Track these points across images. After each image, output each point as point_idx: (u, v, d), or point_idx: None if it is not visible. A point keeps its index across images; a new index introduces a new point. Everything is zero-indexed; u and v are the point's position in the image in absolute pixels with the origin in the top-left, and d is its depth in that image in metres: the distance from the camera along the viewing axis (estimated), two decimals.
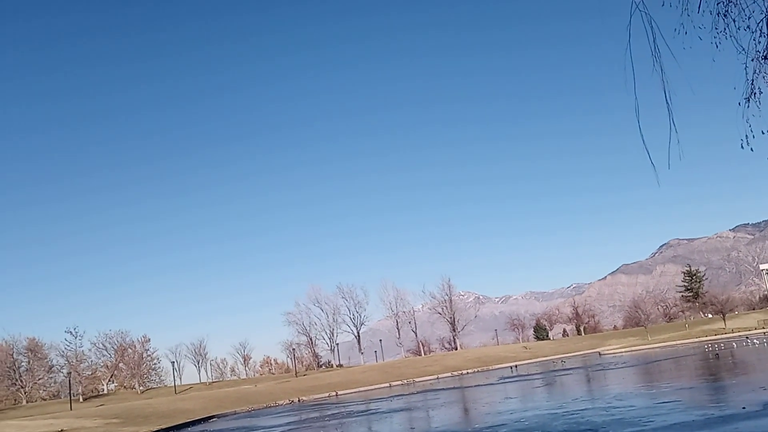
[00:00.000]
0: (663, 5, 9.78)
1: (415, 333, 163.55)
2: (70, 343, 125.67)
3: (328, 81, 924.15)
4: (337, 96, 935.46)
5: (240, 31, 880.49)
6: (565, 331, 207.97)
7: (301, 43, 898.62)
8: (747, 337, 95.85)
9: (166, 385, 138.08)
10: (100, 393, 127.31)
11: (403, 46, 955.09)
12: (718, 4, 9.77)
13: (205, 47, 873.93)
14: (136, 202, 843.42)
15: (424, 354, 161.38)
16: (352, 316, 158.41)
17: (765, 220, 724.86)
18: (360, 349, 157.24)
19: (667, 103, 9.99)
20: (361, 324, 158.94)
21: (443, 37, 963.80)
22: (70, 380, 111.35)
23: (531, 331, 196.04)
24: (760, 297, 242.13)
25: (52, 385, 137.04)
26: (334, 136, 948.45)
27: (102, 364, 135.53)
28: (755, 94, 9.76)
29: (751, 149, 9.70)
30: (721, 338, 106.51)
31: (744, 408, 25.08)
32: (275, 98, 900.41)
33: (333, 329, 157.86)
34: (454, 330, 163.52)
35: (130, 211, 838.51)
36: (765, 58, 9.71)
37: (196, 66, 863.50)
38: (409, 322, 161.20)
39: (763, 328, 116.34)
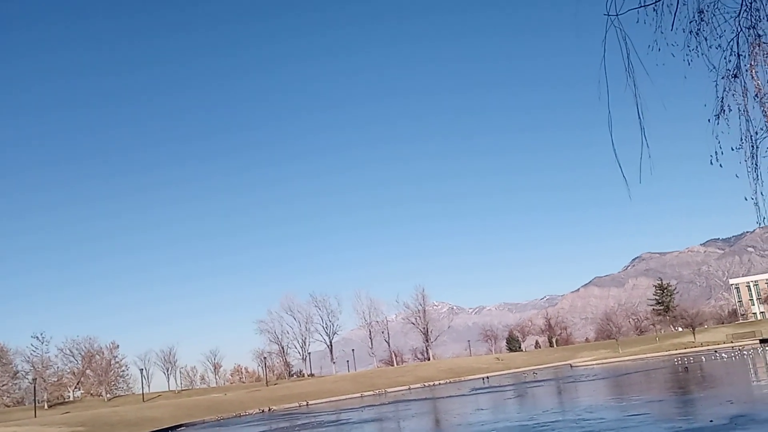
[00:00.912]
0: (637, 22, 9.84)
1: (388, 343, 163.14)
2: (36, 348, 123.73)
3: (303, 96, 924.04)
4: (312, 109, 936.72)
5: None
6: (537, 342, 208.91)
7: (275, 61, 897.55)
8: (716, 351, 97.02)
9: (133, 393, 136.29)
10: (66, 400, 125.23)
11: (375, 63, 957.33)
12: (690, 23, 9.86)
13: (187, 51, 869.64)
14: (105, 206, 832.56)
15: (397, 364, 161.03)
16: (324, 326, 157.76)
17: (735, 236, 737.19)
18: (332, 359, 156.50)
19: (640, 118, 10.04)
20: (334, 333, 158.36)
21: (416, 50, 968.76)
22: (35, 387, 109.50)
23: (504, 343, 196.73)
24: (729, 311, 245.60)
25: (17, 391, 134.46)
26: (311, 148, 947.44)
27: (68, 370, 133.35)
28: (725, 111, 9.85)
29: (720, 165, 9.77)
30: (691, 352, 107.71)
31: (711, 421, 25.30)
32: (255, 112, 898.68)
33: (305, 338, 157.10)
34: (427, 340, 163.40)
35: (99, 216, 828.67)
36: (735, 76, 9.81)
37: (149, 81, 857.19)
38: (382, 332, 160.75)
39: (732, 342, 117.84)
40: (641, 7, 9.76)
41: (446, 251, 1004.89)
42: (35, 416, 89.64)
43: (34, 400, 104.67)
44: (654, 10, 9.78)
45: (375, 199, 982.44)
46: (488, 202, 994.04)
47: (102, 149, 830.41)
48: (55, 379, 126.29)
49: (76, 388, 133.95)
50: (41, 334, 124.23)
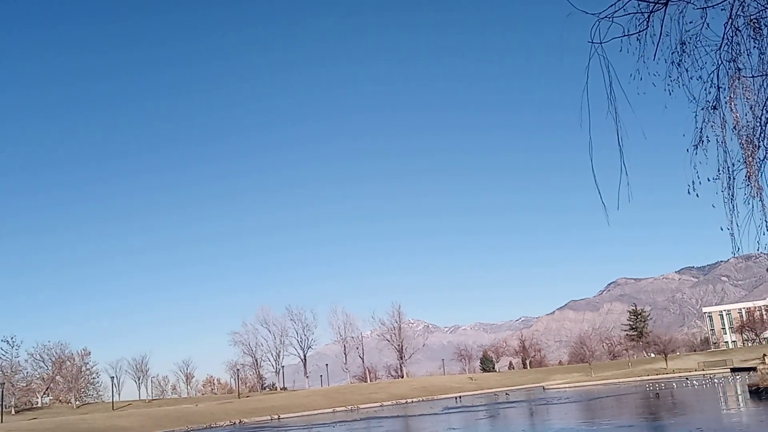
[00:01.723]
0: (620, 51, 9.99)
1: (362, 359, 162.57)
2: (5, 352, 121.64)
3: (284, 106, 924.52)
4: (291, 120, 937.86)
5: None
6: (511, 363, 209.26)
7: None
8: (687, 378, 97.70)
9: (103, 401, 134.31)
10: (34, 406, 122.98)
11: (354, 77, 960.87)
12: (672, 54, 10.03)
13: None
14: (81, 212, 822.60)
15: (370, 380, 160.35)
16: (299, 339, 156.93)
17: (709, 265, 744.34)
18: (305, 373, 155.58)
19: (620, 145, 10.17)
20: (309, 347, 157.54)
21: (403, 69, 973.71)
22: (2, 392, 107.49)
23: (478, 363, 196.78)
24: (701, 339, 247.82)
25: None
26: (290, 159, 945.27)
27: (38, 376, 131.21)
28: (703, 142, 10.01)
29: (697, 195, 9.91)
30: (663, 378, 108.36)
31: None
32: (234, 121, 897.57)
33: (279, 351, 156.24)
34: (401, 358, 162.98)
35: (76, 222, 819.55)
36: (714, 108, 9.99)
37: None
38: (357, 348, 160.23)
39: (703, 370, 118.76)
40: (625, 36, 9.92)
41: (423, 269, 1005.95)
42: (1, 422, 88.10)
43: (1, 405, 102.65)
44: (637, 39, 9.94)
45: (354, 214, 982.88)
46: (466, 222, 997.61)
47: (80, 155, 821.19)
48: (24, 385, 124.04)
49: (45, 394, 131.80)
50: (11, 338, 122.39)
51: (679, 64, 10.02)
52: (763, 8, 9.53)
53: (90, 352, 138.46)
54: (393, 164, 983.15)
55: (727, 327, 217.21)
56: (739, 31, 9.73)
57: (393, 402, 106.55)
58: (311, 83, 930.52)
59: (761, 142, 9.91)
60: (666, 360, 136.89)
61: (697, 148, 10.05)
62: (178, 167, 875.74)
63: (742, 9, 9.60)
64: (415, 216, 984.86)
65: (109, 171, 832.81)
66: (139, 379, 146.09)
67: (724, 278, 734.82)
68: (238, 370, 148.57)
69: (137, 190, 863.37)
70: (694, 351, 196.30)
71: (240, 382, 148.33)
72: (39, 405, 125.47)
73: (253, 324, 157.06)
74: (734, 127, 10.00)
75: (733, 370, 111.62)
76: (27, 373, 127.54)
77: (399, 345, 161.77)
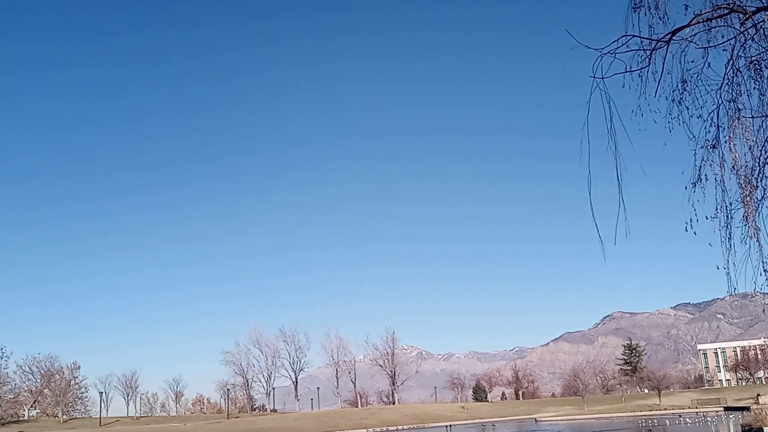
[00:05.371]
0: (623, 86, 10.09)
1: (354, 384, 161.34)
2: None
3: (282, 126, 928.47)
4: (289, 140, 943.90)
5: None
6: (503, 394, 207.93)
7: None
8: (680, 416, 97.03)
9: (91, 416, 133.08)
10: (21, 419, 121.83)
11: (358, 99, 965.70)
12: (673, 92, 10.13)
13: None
14: (75, 227, 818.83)
15: (361, 406, 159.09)
16: (291, 361, 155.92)
17: (705, 302, 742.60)
18: (296, 396, 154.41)
19: (618, 180, 10.23)
20: (300, 370, 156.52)
21: (405, 91, 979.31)
22: None
23: (470, 392, 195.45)
24: (695, 376, 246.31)
25: None
26: (287, 182, 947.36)
27: (26, 388, 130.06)
28: (702, 180, 10.07)
29: (695, 233, 9.94)
30: (655, 414, 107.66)
31: None
32: (231, 137, 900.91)
33: (271, 373, 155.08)
34: (393, 384, 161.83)
35: (70, 237, 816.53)
36: (713, 147, 10.06)
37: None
38: (349, 372, 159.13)
39: (696, 407, 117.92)
40: (627, 72, 10.03)
41: (418, 295, 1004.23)
42: None
43: None
44: (639, 76, 10.05)
45: (351, 238, 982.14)
46: (463, 250, 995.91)
47: (76, 170, 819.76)
48: (12, 397, 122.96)
49: (32, 406, 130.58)
50: (1, 349, 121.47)
51: (679, 102, 10.12)
52: (763, 50, 9.63)
53: (80, 366, 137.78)
54: (390, 190, 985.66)
55: (721, 365, 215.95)
56: (740, 71, 9.83)
57: (384, 428, 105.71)
58: (315, 102, 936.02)
59: (759, 183, 9.96)
60: (659, 396, 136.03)
61: (695, 186, 10.10)
62: (173, 186, 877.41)
63: (743, 50, 9.71)
64: (412, 242, 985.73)
65: (104, 187, 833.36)
66: (128, 396, 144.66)
67: (719, 316, 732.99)
68: (228, 390, 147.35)
69: (132, 207, 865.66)
70: (688, 388, 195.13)
71: (230, 403, 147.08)
72: (26, 418, 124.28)
73: (246, 344, 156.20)
74: (733, 167, 10.06)
75: (727, 408, 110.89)
76: (15, 384, 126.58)
77: (392, 371, 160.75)
